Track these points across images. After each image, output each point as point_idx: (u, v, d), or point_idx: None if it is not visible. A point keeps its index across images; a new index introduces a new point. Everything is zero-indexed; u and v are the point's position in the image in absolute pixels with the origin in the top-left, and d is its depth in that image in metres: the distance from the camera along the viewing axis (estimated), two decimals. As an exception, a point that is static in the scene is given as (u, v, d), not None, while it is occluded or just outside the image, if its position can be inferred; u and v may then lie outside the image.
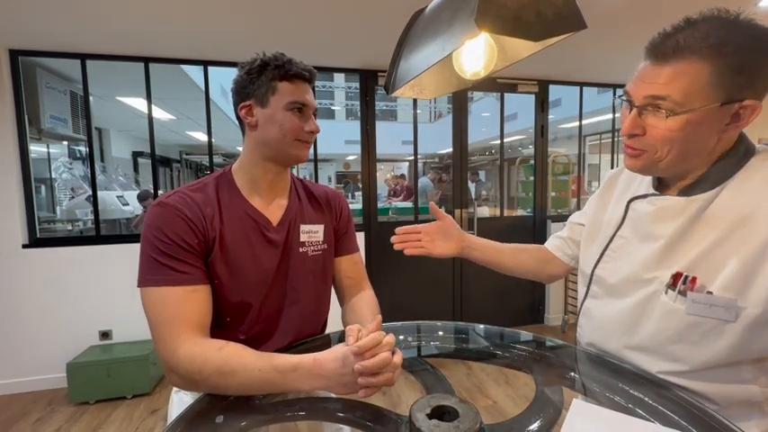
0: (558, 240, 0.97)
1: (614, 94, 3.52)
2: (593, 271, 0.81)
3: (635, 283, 0.71)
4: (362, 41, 2.38)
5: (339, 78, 12.09)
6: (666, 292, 0.65)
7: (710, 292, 0.60)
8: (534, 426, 0.62)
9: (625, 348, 0.72)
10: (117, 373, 2.31)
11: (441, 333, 0.93)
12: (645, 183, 0.75)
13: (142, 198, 4.39)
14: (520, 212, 3.97)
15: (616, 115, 3.71)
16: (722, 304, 0.59)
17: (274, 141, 0.82)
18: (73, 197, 4.14)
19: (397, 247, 0.94)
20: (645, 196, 0.72)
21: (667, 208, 0.67)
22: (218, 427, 0.62)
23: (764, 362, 0.62)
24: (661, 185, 0.72)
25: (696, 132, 0.59)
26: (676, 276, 0.64)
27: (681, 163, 0.64)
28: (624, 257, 0.74)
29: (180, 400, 0.85)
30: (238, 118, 0.84)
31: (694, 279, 0.62)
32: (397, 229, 0.95)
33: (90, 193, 2.79)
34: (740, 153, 0.62)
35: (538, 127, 3.32)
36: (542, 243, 1.01)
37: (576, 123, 3.55)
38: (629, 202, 0.75)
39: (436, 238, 0.96)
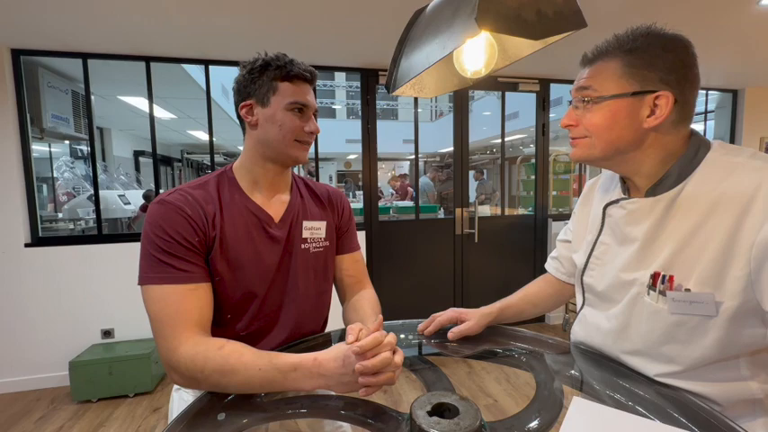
0: (554, 262, 1.00)
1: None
2: (581, 279, 0.83)
3: (619, 287, 0.72)
4: (363, 40, 2.38)
5: (340, 77, 12.06)
6: (648, 294, 0.67)
7: (688, 290, 0.62)
8: (535, 423, 0.62)
9: (621, 354, 0.73)
10: (119, 372, 2.31)
11: (441, 331, 0.94)
12: (617, 189, 0.78)
13: (147, 197, 4.39)
14: (521, 211, 3.97)
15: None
16: (701, 300, 0.61)
17: (274, 141, 0.82)
18: (74, 197, 4.14)
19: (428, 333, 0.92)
20: (617, 201, 0.75)
21: (637, 210, 0.70)
22: (219, 424, 0.62)
23: (760, 354, 0.63)
24: (629, 190, 0.75)
25: (617, 120, 0.66)
26: (655, 277, 0.66)
27: (616, 153, 0.69)
28: (608, 263, 0.76)
29: (180, 398, 0.85)
30: (239, 117, 0.84)
31: (672, 278, 0.64)
32: (428, 332, 0.91)
33: (91, 192, 2.80)
34: (695, 149, 0.66)
35: (539, 125, 3.31)
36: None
37: (578, 122, 3.54)
38: (605, 208, 0.78)
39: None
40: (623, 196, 0.75)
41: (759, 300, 0.57)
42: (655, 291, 0.66)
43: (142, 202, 4.35)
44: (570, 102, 0.74)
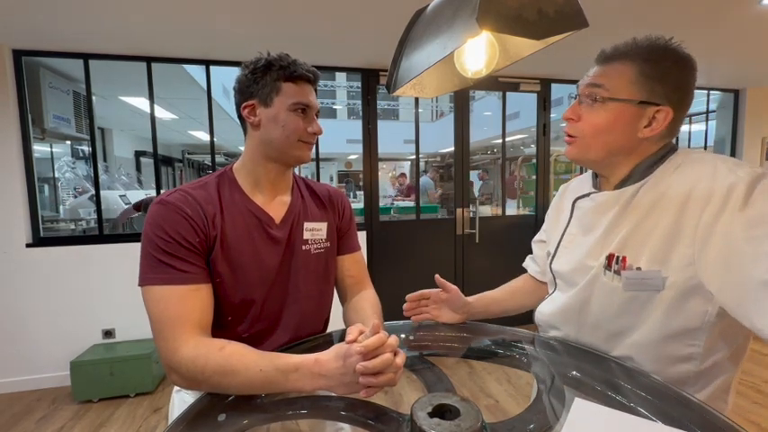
0: (531, 262, 1.05)
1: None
2: (550, 267, 0.88)
3: (582, 270, 0.78)
4: (364, 41, 2.38)
5: (341, 77, 12.06)
6: (605, 273, 0.73)
7: (639, 268, 0.68)
8: (535, 425, 0.62)
9: (581, 327, 0.80)
10: (120, 372, 2.32)
11: (442, 332, 0.93)
12: (589, 184, 0.84)
13: (137, 207, 4.24)
14: (522, 211, 3.97)
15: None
16: (651, 277, 0.67)
17: (277, 141, 0.82)
18: (76, 196, 4.14)
19: (406, 314, 0.99)
20: (588, 194, 0.82)
21: (604, 201, 0.76)
22: (219, 425, 0.62)
23: (696, 333, 0.67)
24: (600, 185, 0.81)
25: (619, 125, 0.70)
26: (610, 258, 0.72)
27: (608, 156, 0.73)
28: (573, 250, 0.82)
29: (181, 400, 0.85)
30: (240, 117, 0.84)
31: (624, 258, 0.70)
32: (408, 297, 0.99)
33: (92, 192, 2.80)
34: (662, 152, 0.72)
35: (540, 126, 3.31)
36: None
37: (579, 122, 3.54)
38: (575, 201, 0.85)
39: (442, 307, 0.98)
40: (594, 190, 0.81)
41: (700, 276, 0.62)
42: (610, 271, 0.72)
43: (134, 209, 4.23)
44: (575, 96, 0.76)
